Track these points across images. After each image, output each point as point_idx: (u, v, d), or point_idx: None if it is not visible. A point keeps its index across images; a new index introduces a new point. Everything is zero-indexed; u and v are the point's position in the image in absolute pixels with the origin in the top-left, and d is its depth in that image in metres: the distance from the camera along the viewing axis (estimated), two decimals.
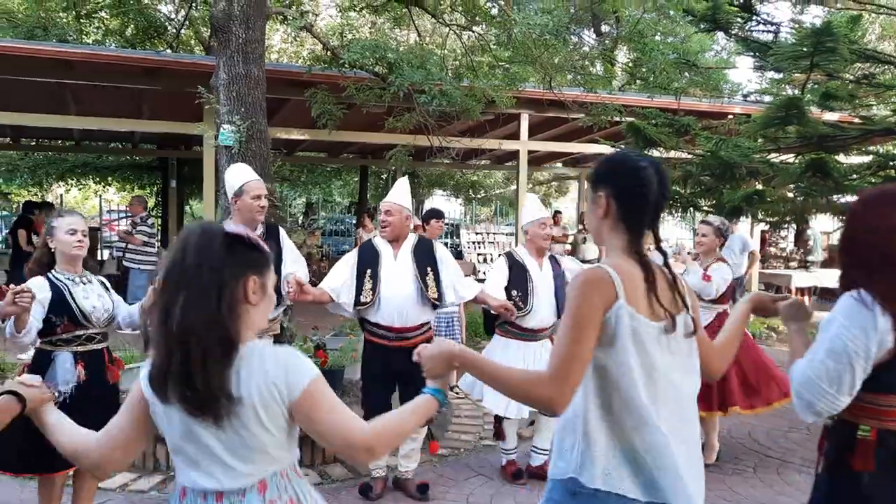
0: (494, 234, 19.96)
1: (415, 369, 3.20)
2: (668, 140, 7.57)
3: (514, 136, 11.23)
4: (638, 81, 10.10)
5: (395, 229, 4.41)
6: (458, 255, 18.19)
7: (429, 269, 4.38)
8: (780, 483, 4.87)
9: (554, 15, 6.53)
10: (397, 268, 4.35)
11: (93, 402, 3.42)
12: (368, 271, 4.32)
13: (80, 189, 22.43)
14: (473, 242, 19.29)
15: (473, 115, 7.95)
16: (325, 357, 5.65)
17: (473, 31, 8.50)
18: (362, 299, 4.29)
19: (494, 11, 8.56)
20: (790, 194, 6.83)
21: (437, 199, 32.12)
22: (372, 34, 14.44)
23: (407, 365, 4.13)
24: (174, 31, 14.17)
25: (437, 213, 7.44)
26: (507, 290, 4.65)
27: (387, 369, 4.35)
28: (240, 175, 4.32)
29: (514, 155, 12.44)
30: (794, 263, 14.99)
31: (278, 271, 4.12)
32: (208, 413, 1.60)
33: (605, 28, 20.43)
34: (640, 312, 1.88)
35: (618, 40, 17.82)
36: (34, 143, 14.51)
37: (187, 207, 19.60)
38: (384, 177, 22.37)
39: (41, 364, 3.51)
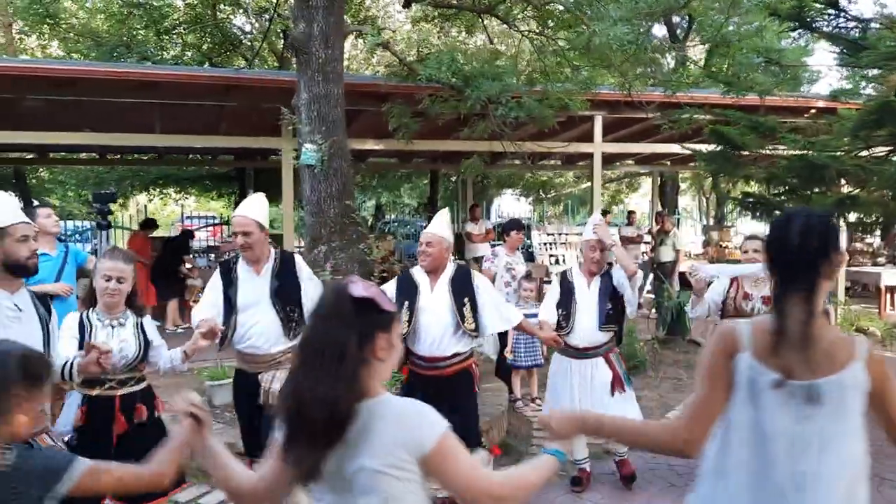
0: (566, 234, 19.75)
1: (443, 397, 3.22)
2: (752, 143, 7.35)
3: (587, 137, 11.10)
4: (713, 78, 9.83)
5: (436, 261, 4.37)
6: (530, 256, 18.10)
7: (466, 299, 4.33)
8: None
9: (634, 24, 6.41)
10: (434, 299, 4.33)
11: (89, 451, 3.03)
12: (406, 303, 4.30)
13: (161, 199, 23.26)
14: (545, 244, 19.12)
15: (549, 122, 7.90)
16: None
17: (547, 38, 8.42)
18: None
19: (567, 16, 8.45)
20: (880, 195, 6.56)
21: (507, 200, 32.07)
22: (440, 39, 14.45)
23: (443, 391, 4.12)
24: (249, 43, 14.50)
25: (517, 225, 7.39)
26: (557, 309, 4.84)
27: (421, 396, 4.35)
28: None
29: (586, 154, 12.28)
30: (881, 259, 14.37)
31: (300, 303, 4.08)
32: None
33: (675, 19, 19.95)
34: (764, 364, 1.83)
35: (689, 33, 17.40)
36: (119, 158, 15.11)
37: None
38: (454, 179, 22.42)
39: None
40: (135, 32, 13.63)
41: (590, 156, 11.38)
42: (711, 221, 24.99)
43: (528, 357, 6.69)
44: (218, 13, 14.12)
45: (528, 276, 6.98)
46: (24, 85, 8.58)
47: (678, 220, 18.69)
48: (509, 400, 6.57)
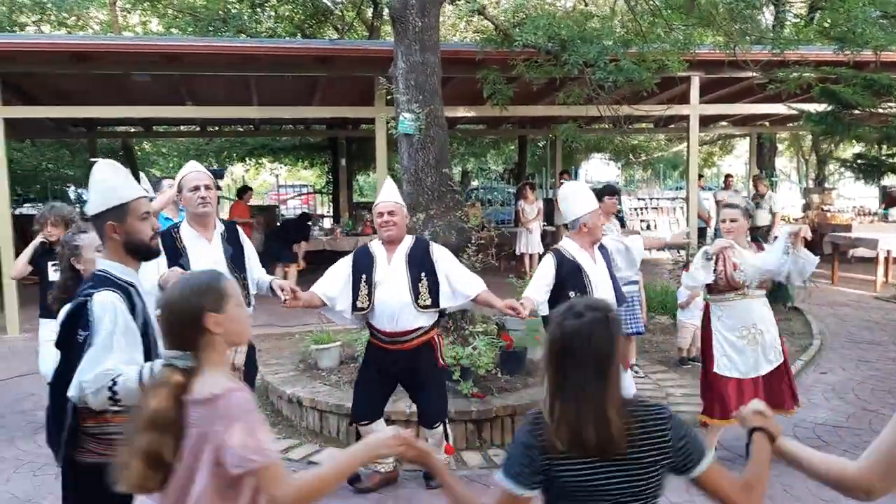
0: (657, 199, 19.34)
1: (415, 370, 3.01)
2: (866, 102, 6.99)
3: (682, 98, 10.78)
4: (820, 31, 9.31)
5: (400, 230, 4.24)
6: (621, 222, 17.81)
7: (423, 273, 4.17)
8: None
9: None
10: (391, 273, 4.18)
11: None
12: (364, 276, 4.19)
13: (255, 168, 23.98)
14: (635, 209, 18.79)
15: (647, 84, 7.71)
16: (510, 339, 5.75)
17: None
18: (359, 304, 4.19)
19: None
20: None
21: (594, 164, 31.44)
22: (530, 1, 14.21)
23: (406, 366, 4.07)
24: (339, 14, 14.66)
25: (611, 190, 7.26)
26: (563, 291, 4.21)
27: (385, 371, 4.27)
28: (182, 170, 4.07)
29: (679, 116, 11.92)
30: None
31: (244, 272, 4.00)
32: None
33: None
34: None
35: None
36: (217, 130, 15.65)
37: (355, 183, 20.42)
38: (542, 144, 22.18)
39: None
40: (230, 6, 13.98)
41: (684, 118, 11.08)
42: (811, 184, 23.90)
43: (628, 324, 6.63)
44: None
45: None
46: (131, 62, 8.98)
47: (775, 182, 17.96)
48: None
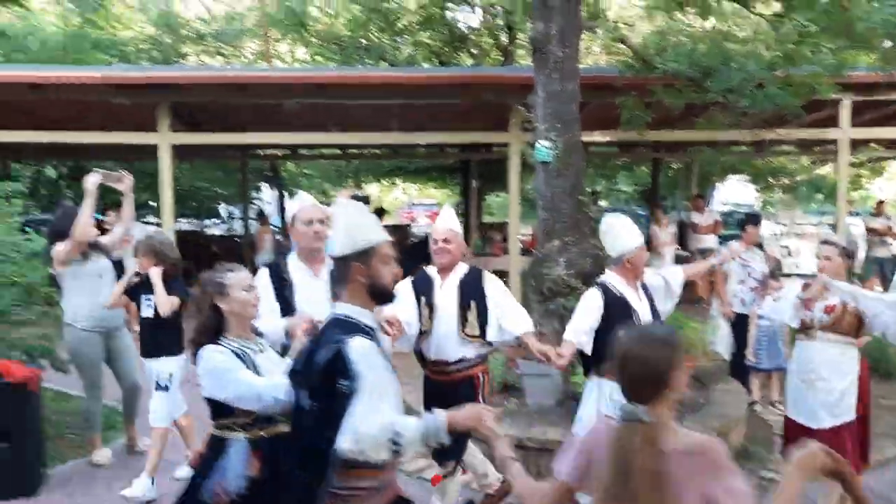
0: (800, 224, 18.37)
1: (450, 406, 2.96)
2: None
3: (830, 121, 10.26)
4: None
5: (454, 258, 4.17)
6: (759, 247, 17.06)
7: (472, 302, 4.07)
8: None
9: None
10: (443, 300, 4.11)
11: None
12: (424, 300, 4.11)
13: (388, 187, 24.80)
14: (775, 234, 17.92)
15: (794, 110, 7.45)
16: None
17: (790, 19, 7.91)
18: (422, 328, 4.09)
19: None
20: None
21: (730, 186, 30.17)
22: (665, 23, 14.01)
23: (445, 398, 3.65)
24: (474, 38, 15.01)
25: (755, 219, 7.07)
26: (610, 330, 3.97)
27: (430, 401, 4.08)
28: (295, 202, 3.93)
29: (826, 140, 11.31)
30: None
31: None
32: None
33: None
34: None
35: None
36: (357, 153, 16.36)
37: (485, 203, 20.70)
38: (675, 166, 21.64)
39: (216, 453, 2.91)
40: (372, 35, 14.64)
41: (831, 141, 10.54)
42: None
43: (771, 359, 6.42)
44: (447, 11, 14.76)
45: (773, 275, 6.66)
46: (283, 91, 9.61)
47: None
48: (748, 402, 6.35)
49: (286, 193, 16.63)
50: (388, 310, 3.51)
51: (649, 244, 12.98)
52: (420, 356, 4.20)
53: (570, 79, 6.63)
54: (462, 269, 4.21)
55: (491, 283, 4.22)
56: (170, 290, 4.79)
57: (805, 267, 16.03)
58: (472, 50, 15.56)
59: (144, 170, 12.92)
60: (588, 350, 4.05)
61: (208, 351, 2.86)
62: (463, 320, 4.03)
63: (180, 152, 9.87)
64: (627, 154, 17.69)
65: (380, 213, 13.17)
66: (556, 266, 6.39)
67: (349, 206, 2.48)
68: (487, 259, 12.20)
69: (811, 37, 7.97)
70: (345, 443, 2.18)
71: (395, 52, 14.94)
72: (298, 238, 3.75)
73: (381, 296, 2.46)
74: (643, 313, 4.08)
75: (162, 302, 4.74)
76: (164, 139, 9.19)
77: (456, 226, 4.27)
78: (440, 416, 2.29)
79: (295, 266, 3.75)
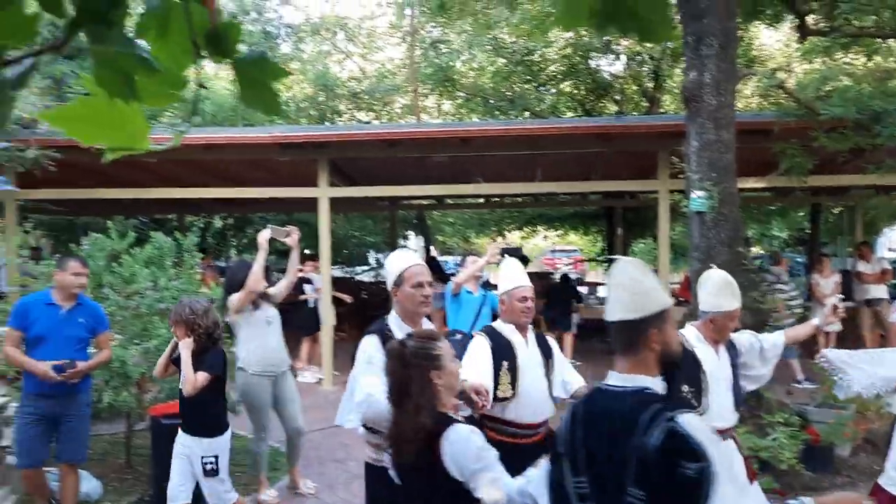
0: None
1: (525, 466, 2.61)
2: None
3: None
4: None
5: (534, 314, 3.99)
6: None
7: (550, 361, 3.95)
8: None
9: None
10: (531, 358, 3.88)
11: None
12: (505, 363, 3.81)
13: (529, 234, 24.91)
14: None
15: None
16: (816, 434, 5.35)
17: None
18: (499, 394, 3.76)
19: None
20: None
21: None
22: (824, 64, 13.39)
23: (531, 460, 3.36)
24: (619, 87, 14.96)
25: None
26: (674, 384, 3.61)
27: (515, 469, 3.70)
28: (400, 260, 3.59)
29: None
30: None
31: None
32: None
33: None
34: None
35: None
36: (499, 202, 16.63)
37: (630, 251, 20.31)
38: (836, 210, 20.34)
39: None
40: (516, 87, 14.94)
41: None
42: None
43: None
44: (590, 60, 14.83)
45: None
46: (431, 145, 9.97)
47: None
48: None
49: (431, 240, 17.09)
50: (472, 377, 3.48)
51: (810, 293, 12.25)
52: (503, 423, 3.86)
53: (725, 127, 6.47)
54: (530, 326, 4.06)
55: (552, 342, 4.14)
56: (201, 364, 4.33)
57: None
58: (616, 97, 15.49)
59: (300, 220, 13.73)
60: None
61: (463, 430, 2.56)
62: (549, 379, 3.95)
63: (335, 204, 10.42)
64: (783, 199, 16.84)
65: (523, 260, 13.21)
66: None
67: (632, 265, 2.23)
68: None
69: None
70: None
71: (538, 103, 15.15)
72: (404, 299, 3.47)
73: (672, 363, 2.21)
74: (716, 374, 3.83)
75: (186, 379, 4.29)
76: (324, 193, 9.76)
77: (529, 282, 4.10)
78: (807, 501, 2.13)
79: (394, 324, 3.50)
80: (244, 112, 16.65)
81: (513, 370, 3.81)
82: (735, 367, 3.94)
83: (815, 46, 8.15)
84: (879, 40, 8.07)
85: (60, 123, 1.08)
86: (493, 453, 2.55)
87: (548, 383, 3.92)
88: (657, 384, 2.13)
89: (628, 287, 2.17)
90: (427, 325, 3.60)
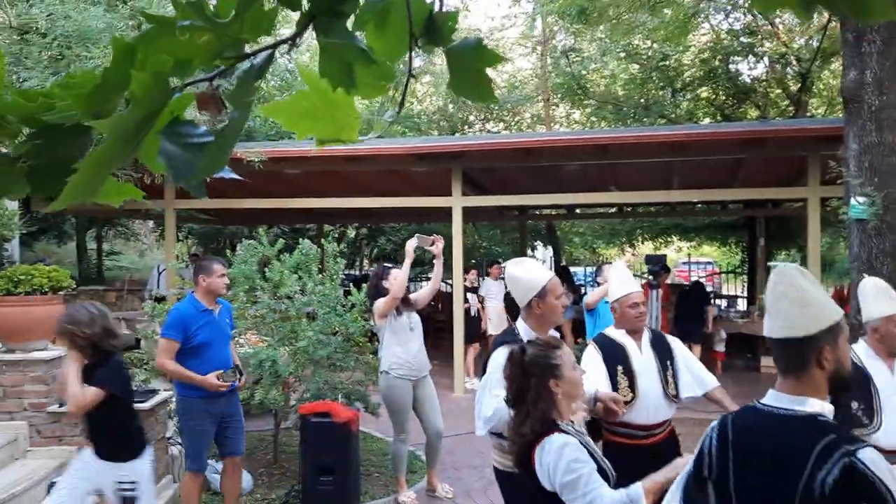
0: None
1: (661, 464, 2.54)
2: None
3: None
4: None
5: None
6: None
7: (668, 362, 3.92)
8: None
9: None
10: (645, 361, 3.90)
11: None
12: (620, 367, 3.86)
13: (663, 245, 24.20)
14: None
15: None
16: None
17: None
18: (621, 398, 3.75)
19: None
20: None
21: None
22: None
23: (654, 460, 3.07)
24: (762, 90, 14.28)
25: None
26: (836, 404, 3.20)
27: (632, 470, 3.41)
28: (535, 272, 3.58)
29: None
30: None
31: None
32: None
33: None
34: None
35: None
36: (632, 211, 16.25)
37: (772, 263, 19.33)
38: None
39: None
40: (652, 94, 14.58)
41: None
42: None
43: None
44: (730, 64, 14.26)
45: None
46: (565, 154, 9.89)
47: None
48: None
49: (561, 251, 16.93)
50: (588, 385, 3.38)
51: None
52: (618, 425, 3.86)
53: (889, 129, 6.04)
54: (647, 331, 4.09)
55: (673, 341, 4.15)
56: (91, 379, 3.72)
57: None
58: (758, 102, 14.79)
59: (431, 230, 13.96)
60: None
61: (558, 440, 2.48)
62: (665, 381, 3.92)
63: (466, 213, 10.53)
64: None
65: (664, 269, 12.83)
66: None
67: (795, 272, 1.98)
68: None
69: None
70: None
71: (674, 108, 14.70)
72: (547, 311, 3.50)
73: (844, 384, 1.95)
74: (889, 389, 3.53)
75: (70, 394, 3.69)
76: (458, 202, 9.89)
77: (638, 286, 4.17)
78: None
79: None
80: (374, 123, 17.16)
81: (629, 374, 3.86)
82: None
83: None
84: None
85: (278, 116, 1.14)
86: (590, 467, 2.44)
87: (665, 384, 3.90)
88: (827, 408, 1.90)
89: (795, 299, 1.92)
90: (555, 335, 3.58)
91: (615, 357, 3.91)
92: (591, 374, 3.68)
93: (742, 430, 1.98)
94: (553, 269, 17.18)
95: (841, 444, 1.76)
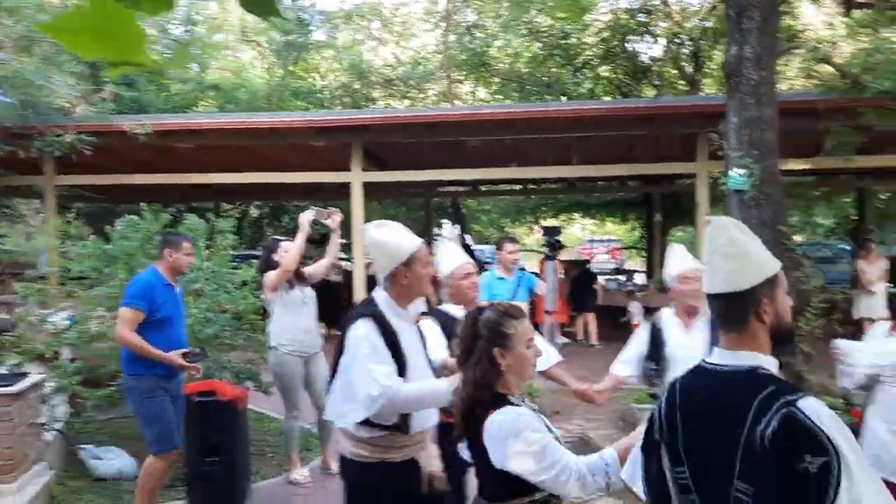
0: None
1: None
2: None
3: None
4: None
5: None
6: None
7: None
8: None
9: None
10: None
11: None
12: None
13: (566, 223, 24.72)
14: None
15: None
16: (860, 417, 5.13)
17: None
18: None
19: None
20: None
21: None
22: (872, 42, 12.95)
23: None
24: (657, 70, 14.69)
25: None
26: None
27: None
28: (403, 236, 3.09)
29: None
30: None
31: None
32: None
33: None
34: None
35: None
36: (536, 188, 16.46)
37: (669, 238, 20.04)
38: (883, 196, 19.77)
39: None
40: (553, 71, 14.76)
41: None
42: None
43: None
44: (627, 44, 14.59)
45: None
46: (467, 129, 9.88)
47: None
48: None
49: (467, 229, 17.02)
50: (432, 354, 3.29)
51: (855, 281, 11.89)
52: None
53: (766, 104, 6.28)
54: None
55: None
56: None
57: None
58: (655, 81, 15.21)
59: (336, 207, 13.72)
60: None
61: (512, 412, 2.33)
62: None
63: (369, 191, 10.39)
64: (827, 183, 16.41)
65: (558, 244, 13.08)
66: None
67: (731, 226, 1.92)
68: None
69: None
70: None
71: (575, 87, 14.95)
72: (414, 281, 3.09)
73: (787, 336, 1.93)
74: (681, 352, 3.68)
75: None
76: (357, 178, 9.74)
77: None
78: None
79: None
80: (279, 101, 16.74)
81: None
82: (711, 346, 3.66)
83: (860, 21, 7.86)
84: None
85: (57, 34, 1.03)
86: (549, 437, 2.31)
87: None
88: (770, 362, 1.85)
89: (733, 253, 1.87)
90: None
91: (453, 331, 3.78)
92: (432, 343, 3.46)
93: (688, 390, 1.96)
94: (463, 248, 17.22)
95: (780, 395, 1.73)
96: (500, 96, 17.20)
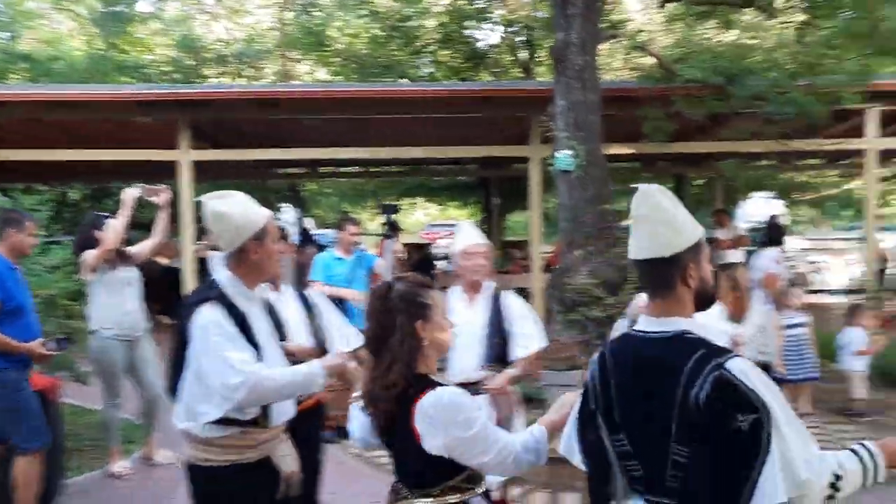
0: (827, 240, 18.13)
1: None
2: None
3: (857, 132, 10.08)
4: None
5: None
6: None
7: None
8: None
9: None
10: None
11: None
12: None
13: (408, 207, 24.87)
14: (803, 250, 17.69)
15: (821, 118, 7.33)
16: None
17: (814, 27, 7.83)
18: None
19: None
20: None
21: (754, 203, 29.76)
22: (679, 35, 13.97)
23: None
24: (495, 57, 15.06)
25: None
26: None
27: None
28: (250, 208, 2.81)
29: (853, 151, 11.12)
30: None
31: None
32: None
33: None
34: None
35: None
36: (377, 170, 16.41)
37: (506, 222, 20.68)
38: (697, 182, 21.47)
39: None
40: (392, 54, 14.75)
41: (858, 153, 10.35)
42: None
43: (800, 369, 6.27)
44: (465, 29, 14.84)
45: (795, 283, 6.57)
46: (303, 107, 9.63)
47: None
48: None
49: (307, 212, 16.69)
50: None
51: None
52: None
53: (591, 89, 6.61)
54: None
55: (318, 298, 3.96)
56: None
57: (833, 283, 15.81)
58: (493, 68, 15.60)
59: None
60: None
61: (447, 393, 2.18)
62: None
63: (201, 172, 9.87)
64: (649, 170, 17.57)
65: (395, 224, 13.18)
66: (579, 276, 6.32)
67: (658, 193, 1.94)
68: (508, 277, 12.12)
69: (834, 45, 7.87)
70: (781, 496, 1.68)
71: (414, 71, 15.03)
72: (264, 256, 2.82)
73: (708, 301, 1.98)
74: (465, 326, 3.64)
75: None
76: (185, 157, 9.23)
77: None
78: (871, 445, 1.85)
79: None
80: (102, 75, 15.61)
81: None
82: (498, 321, 3.80)
83: (675, 14, 8.44)
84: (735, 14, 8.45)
85: None
86: (485, 416, 2.22)
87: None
88: (696, 325, 1.91)
89: (660, 219, 1.90)
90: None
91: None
92: (292, 327, 3.38)
93: (619, 358, 1.97)
94: (300, 232, 16.87)
95: (711, 358, 1.77)
96: (341, 77, 16.94)
